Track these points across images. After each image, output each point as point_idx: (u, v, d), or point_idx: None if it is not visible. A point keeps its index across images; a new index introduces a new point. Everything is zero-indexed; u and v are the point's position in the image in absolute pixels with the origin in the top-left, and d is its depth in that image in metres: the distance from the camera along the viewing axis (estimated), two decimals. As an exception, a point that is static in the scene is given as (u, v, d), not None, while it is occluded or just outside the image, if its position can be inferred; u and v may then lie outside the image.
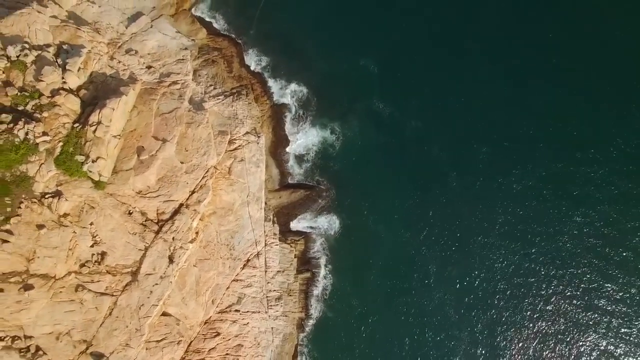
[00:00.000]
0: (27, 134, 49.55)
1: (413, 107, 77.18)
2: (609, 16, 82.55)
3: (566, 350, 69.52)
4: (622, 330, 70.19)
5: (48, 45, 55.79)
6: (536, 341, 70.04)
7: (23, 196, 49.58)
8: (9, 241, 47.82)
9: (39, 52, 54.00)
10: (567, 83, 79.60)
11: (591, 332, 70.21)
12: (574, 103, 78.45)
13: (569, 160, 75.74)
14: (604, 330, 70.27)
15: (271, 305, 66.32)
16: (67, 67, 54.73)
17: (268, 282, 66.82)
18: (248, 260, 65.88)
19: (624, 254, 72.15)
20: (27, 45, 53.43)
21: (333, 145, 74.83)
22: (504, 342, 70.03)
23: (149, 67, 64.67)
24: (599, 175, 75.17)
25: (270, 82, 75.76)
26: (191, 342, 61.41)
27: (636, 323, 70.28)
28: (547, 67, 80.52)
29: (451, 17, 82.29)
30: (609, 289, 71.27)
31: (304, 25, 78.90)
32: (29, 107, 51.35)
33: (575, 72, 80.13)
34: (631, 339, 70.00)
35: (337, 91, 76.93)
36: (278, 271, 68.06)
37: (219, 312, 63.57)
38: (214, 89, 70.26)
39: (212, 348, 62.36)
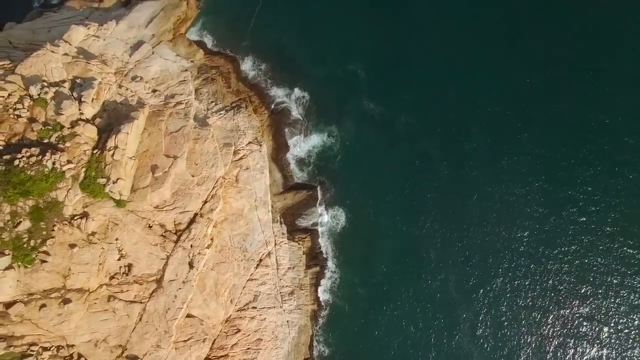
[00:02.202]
0: (54, 163, 52.95)
1: (401, 104, 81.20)
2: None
3: (564, 326, 73.71)
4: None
5: (63, 81, 59.45)
6: (536, 318, 74.18)
7: (55, 220, 53.06)
8: (47, 261, 51.39)
9: (56, 88, 57.63)
10: (548, 66, 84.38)
11: (591, 303, 74.19)
12: (556, 85, 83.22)
13: (554, 144, 79.97)
14: (604, 304, 74.26)
15: (285, 300, 70.02)
16: (82, 99, 58.44)
17: (280, 279, 70.43)
18: (260, 260, 69.47)
19: (620, 232, 76.51)
20: (45, 83, 57.07)
21: (330, 146, 78.72)
22: (505, 319, 74.00)
23: (154, 91, 68.17)
24: (583, 155, 79.49)
25: (267, 93, 79.48)
26: (215, 339, 64.92)
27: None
28: (528, 54, 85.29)
29: (427, 17, 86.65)
30: (604, 262, 75.45)
31: (293, 36, 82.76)
32: (53, 139, 54.94)
33: (550, 56, 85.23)
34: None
35: (330, 96, 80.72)
36: (289, 268, 71.68)
37: (237, 310, 67.22)
38: (216, 105, 74.15)
39: (235, 344, 65.96)
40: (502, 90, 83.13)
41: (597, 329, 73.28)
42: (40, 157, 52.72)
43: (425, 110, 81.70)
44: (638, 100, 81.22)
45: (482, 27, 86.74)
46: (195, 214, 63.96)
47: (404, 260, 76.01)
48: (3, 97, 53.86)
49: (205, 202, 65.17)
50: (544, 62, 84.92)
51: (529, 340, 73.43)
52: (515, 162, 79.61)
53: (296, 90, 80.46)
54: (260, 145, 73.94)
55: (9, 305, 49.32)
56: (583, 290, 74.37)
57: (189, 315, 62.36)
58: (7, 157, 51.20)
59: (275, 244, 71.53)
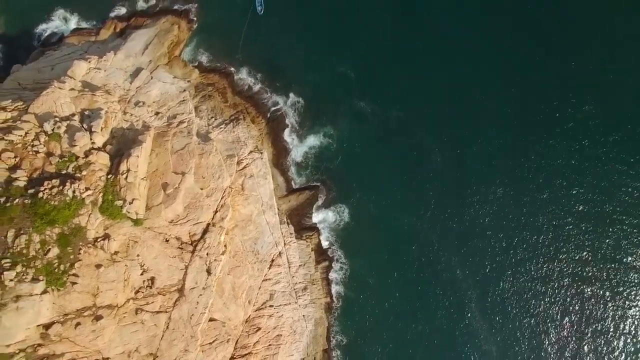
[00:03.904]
0: (74, 192, 56.33)
1: (391, 100, 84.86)
2: None
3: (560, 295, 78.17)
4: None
5: (73, 115, 62.71)
6: (539, 289, 78.49)
7: (80, 244, 56.43)
8: (77, 282, 54.84)
9: (68, 121, 60.97)
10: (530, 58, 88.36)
11: (589, 270, 78.76)
12: (537, 75, 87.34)
13: (540, 130, 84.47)
14: (603, 270, 78.92)
15: (299, 296, 73.60)
16: (92, 129, 61.68)
17: (293, 276, 73.95)
18: (272, 261, 72.86)
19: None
20: (57, 119, 60.43)
21: (327, 147, 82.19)
22: (510, 292, 78.14)
23: (156, 114, 71.34)
24: (578, 141, 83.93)
25: (262, 102, 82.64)
26: (237, 339, 68.43)
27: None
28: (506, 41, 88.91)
29: (406, 17, 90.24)
30: (598, 230, 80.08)
31: (282, 45, 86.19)
32: (70, 169, 58.29)
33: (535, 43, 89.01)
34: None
35: (323, 98, 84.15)
36: (300, 265, 75.25)
37: (256, 310, 70.78)
38: (215, 119, 77.48)
39: (256, 342, 69.56)
40: (487, 77, 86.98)
41: (598, 292, 77.72)
42: (61, 187, 56.01)
43: (415, 104, 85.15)
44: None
45: (463, 20, 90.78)
46: (208, 224, 67.13)
47: (408, 248, 79.63)
48: (21, 136, 57.33)
49: (216, 212, 68.21)
50: (522, 47, 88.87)
51: (533, 309, 77.53)
52: (506, 145, 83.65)
53: (290, 96, 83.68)
54: (261, 153, 77.07)
55: (48, 326, 52.77)
56: (581, 257, 78.84)
57: (211, 319, 65.59)
58: (31, 191, 54.77)
59: (285, 244, 74.78)
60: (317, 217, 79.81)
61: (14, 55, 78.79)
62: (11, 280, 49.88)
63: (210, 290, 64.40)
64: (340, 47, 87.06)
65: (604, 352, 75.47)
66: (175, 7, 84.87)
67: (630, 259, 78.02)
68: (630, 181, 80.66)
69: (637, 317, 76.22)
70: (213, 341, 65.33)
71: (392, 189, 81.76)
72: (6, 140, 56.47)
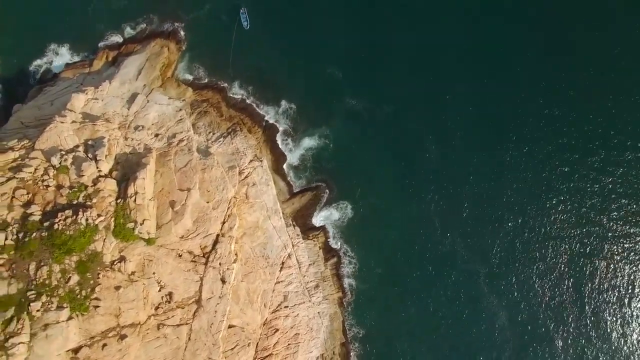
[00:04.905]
0: (87, 220, 58.33)
1: (380, 95, 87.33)
2: None
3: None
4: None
5: (77, 146, 64.74)
6: (541, 258, 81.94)
7: (98, 268, 58.53)
8: (99, 306, 57.03)
9: (73, 153, 63.01)
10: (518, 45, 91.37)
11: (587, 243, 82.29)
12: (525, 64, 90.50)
13: (524, 114, 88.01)
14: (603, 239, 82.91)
15: (312, 294, 76.11)
16: (97, 158, 63.77)
17: (304, 276, 76.47)
18: (283, 263, 75.17)
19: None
20: (63, 152, 62.49)
21: (324, 147, 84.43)
22: (515, 264, 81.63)
23: (156, 135, 73.23)
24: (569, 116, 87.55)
25: (257, 112, 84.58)
26: (257, 342, 70.84)
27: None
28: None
29: (389, 13, 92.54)
30: (595, 204, 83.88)
31: (271, 55, 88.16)
32: (80, 199, 60.44)
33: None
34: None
35: (315, 101, 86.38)
36: (309, 264, 77.70)
37: (272, 312, 73.26)
38: (213, 134, 79.51)
39: (276, 342, 72.06)
40: (470, 65, 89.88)
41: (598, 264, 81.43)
42: (74, 217, 58.19)
43: (403, 95, 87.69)
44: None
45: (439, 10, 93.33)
46: (218, 235, 69.29)
47: (412, 234, 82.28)
48: (31, 172, 59.66)
49: (224, 222, 70.29)
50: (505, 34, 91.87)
51: (537, 277, 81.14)
52: (491, 131, 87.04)
53: (283, 103, 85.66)
54: (261, 161, 79.21)
55: (76, 350, 54.99)
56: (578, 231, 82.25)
57: (230, 326, 67.85)
58: (46, 224, 57.12)
59: (293, 246, 77.22)
60: (321, 216, 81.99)
61: (12, 94, 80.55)
62: (38, 310, 52.38)
63: (227, 298, 66.38)
64: (325, 51, 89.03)
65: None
66: (163, 28, 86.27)
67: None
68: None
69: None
70: (234, 347, 67.44)
71: (390, 180, 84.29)
72: (17, 178, 58.73)
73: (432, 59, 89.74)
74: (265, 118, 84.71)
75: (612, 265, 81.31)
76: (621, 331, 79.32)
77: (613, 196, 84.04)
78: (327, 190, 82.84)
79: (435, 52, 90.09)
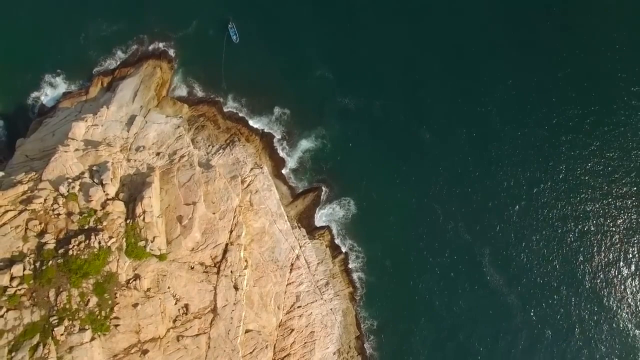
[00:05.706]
0: (99, 243, 59.97)
1: (372, 91, 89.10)
2: None
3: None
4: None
5: (83, 173, 66.17)
6: (542, 239, 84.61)
7: (115, 288, 60.42)
8: (119, 324, 59.02)
9: (80, 180, 64.63)
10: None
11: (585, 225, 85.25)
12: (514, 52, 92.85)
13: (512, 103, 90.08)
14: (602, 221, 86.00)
15: (323, 292, 78.08)
16: (103, 182, 65.29)
17: (314, 275, 78.35)
18: (292, 265, 77.09)
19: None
20: (69, 180, 64.04)
21: (322, 147, 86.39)
22: (518, 247, 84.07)
23: (158, 154, 74.88)
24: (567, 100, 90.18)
25: (253, 121, 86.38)
26: (275, 344, 72.80)
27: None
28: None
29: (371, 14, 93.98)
30: (595, 185, 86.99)
31: (262, 64, 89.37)
32: (91, 223, 62.13)
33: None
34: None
35: (309, 104, 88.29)
36: (318, 263, 79.60)
37: (286, 314, 75.39)
38: (213, 147, 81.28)
39: (292, 342, 74.25)
40: (458, 56, 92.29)
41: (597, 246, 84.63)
42: (87, 241, 59.96)
43: (394, 90, 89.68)
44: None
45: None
46: (226, 244, 70.96)
47: (416, 224, 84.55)
48: (41, 203, 61.48)
49: (231, 231, 71.89)
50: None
51: (540, 258, 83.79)
52: (482, 119, 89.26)
53: (278, 108, 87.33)
54: (262, 168, 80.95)
55: None
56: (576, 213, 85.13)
57: (247, 331, 69.80)
58: (61, 251, 58.98)
59: (300, 247, 79.07)
60: (325, 215, 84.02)
61: (14, 129, 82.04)
62: (62, 334, 54.43)
63: (241, 304, 68.18)
64: (313, 54, 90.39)
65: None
66: (154, 49, 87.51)
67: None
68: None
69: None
70: (253, 350, 69.44)
71: (389, 172, 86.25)
72: (29, 209, 60.42)
73: (418, 50, 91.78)
74: (262, 125, 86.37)
75: (619, 243, 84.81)
76: (621, 306, 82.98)
77: (616, 175, 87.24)
78: (329, 189, 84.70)
79: (420, 44, 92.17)
